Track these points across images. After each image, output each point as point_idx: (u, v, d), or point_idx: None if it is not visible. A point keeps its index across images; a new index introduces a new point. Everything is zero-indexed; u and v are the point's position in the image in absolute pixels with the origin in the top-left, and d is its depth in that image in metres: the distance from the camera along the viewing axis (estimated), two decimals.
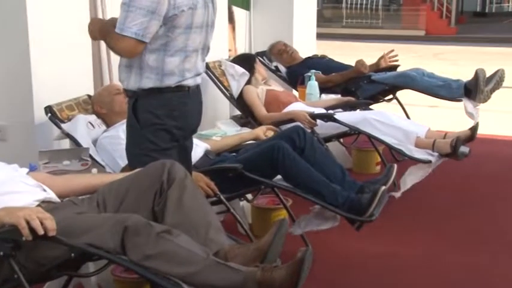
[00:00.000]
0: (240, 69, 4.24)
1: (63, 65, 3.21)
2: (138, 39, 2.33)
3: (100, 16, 3.54)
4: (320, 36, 6.53)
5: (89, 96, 3.33)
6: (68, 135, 3.07)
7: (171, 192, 2.13)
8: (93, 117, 3.20)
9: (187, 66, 2.47)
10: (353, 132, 3.99)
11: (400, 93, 5.05)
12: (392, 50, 5.11)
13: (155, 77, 2.43)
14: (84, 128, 3.10)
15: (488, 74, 4.54)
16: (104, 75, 3.70)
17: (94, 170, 2.79)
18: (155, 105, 2.45)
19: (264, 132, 3.51)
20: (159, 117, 2.45)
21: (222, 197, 2.82)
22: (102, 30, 2.48)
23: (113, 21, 2.41)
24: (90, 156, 2.91)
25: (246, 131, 3.78)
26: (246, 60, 4.35)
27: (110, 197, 2.20)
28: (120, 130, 2.94)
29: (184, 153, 2.58)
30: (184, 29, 2.41)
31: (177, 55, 2.43)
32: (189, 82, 2.50)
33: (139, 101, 2.47)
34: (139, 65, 2.43)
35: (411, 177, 3.64)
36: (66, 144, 3.19)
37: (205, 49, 2.58)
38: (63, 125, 3.07)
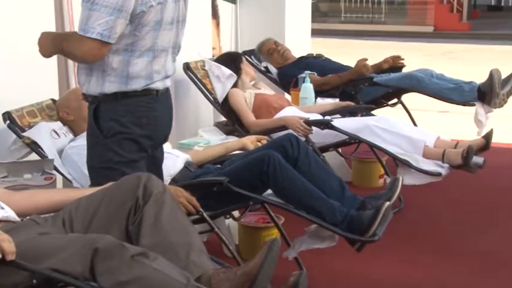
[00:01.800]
0: (227, 71, 4.26)
1: (23, 66, 3.21)
2: (103, 41, 2.33)
3: (66, 16, 3.56)
4: (315, 32, 6.58)
5: (54, 100, 3.33)
6: (29, 145, 3.06)
7: (147, 209, 2.13)
8: (58, 125, 3.19)
9: (156, 68, 2.48)
10: (353, 141, 4.01)
11: (405, 97, 5.08)
12: (399, 56, 5.14)
13: (119, 81, 2.43)
14: (48, 137, 3.09)
15: (504, 76, 4.58)
16: (70, 77, 3.70)
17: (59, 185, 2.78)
18: (120, 112, 2.45)
19: (252, 141, 3.52)
20: (124, 125, 2.46)
21: (205, 214, 2.81)
22: (55, 39, 2.48)
23: (67, 32, 2.41)
24: (55, 169, 2.90)
25: (232, 139, 3.79)
26: (230, 60, 4.37)
27: (77, 215, 2.20)
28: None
29: (155, 166, 2.59)
30: (153, 26, 2.41)
31: (144, 56, 2.43)
32: (158, 85, 2.50)
33: (101, 107, 2.47)
34: (101, 67, 2.43)
35: (410, 179, 3.66)
36: (27, 155, 3.17)
37: (176, 48, 2.58)
38: (24, 133, 3.06)
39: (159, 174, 2.62)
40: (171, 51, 2.55)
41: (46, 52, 2.53)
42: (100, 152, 2.49)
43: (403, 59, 5.11)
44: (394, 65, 5.10)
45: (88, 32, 2.31)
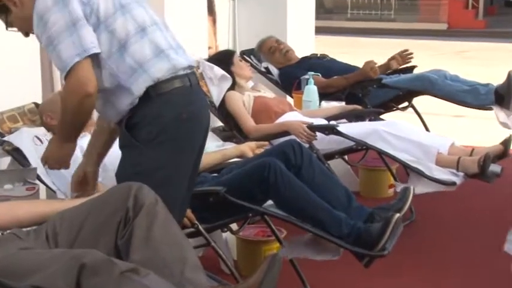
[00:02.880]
0: (219, 71, 4.25)
1: (3, 67, 3.21)
2: (84, 57, 2.31)
3: None
4: (320, 30, 6.60)
5: (36, 104, 3.33)
6: (10, 153, 3.06)
7: (138, 222, 2.13)
8: (41, 131, 3.19)
9: (160, 41, 2.44)
10: (360, 148, 4.02)
11: (417, 100, 5.09)
12: (407, 50, 5.14)
13: (138, 75, 2.40)
14: (30, 143, 3.09)
15: None
16: (56, 81, 3.70)
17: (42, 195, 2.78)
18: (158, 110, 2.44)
19: (251, 148, 3.52)
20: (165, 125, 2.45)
21: (200, 227, 2.82)
22: (59, 136, 2.51)
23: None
24: (38, 178, 2.90)
25: (230, 146, 3.79)
26: (220, 60, 4.34)
27: (62, 229, 2.19)
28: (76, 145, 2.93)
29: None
30: (114, 12, 2.39)
31: (135, 42, 2.41)
32: (181, 62, 2.47)
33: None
34: (109, 88, 2.41)
35: (423, 186, 3.66)
36: (7, 163, 3.17)
37: (160, 24, 2.52)
38: (3, 139, 3.06)
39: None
40: (158, 28, 2.49)
41: (68, 155, 2.53)
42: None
43: (411, 54, 5.09)
44: (403, 62, 5.09)
45: (68, 63, 2.32)
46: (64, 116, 2.45)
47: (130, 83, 2.40)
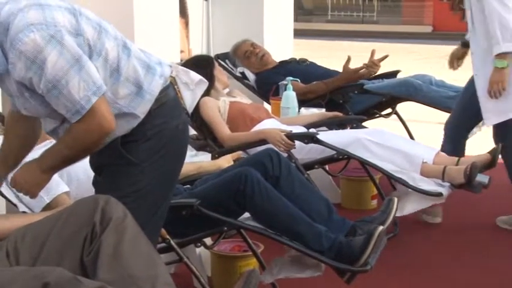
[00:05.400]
0: (196, 76, 4.25)
1: None
2: (101, 96, 2.25)
3: None
4: (299, 33, 6.62)
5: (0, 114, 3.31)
6: None
7: (105, 238, 2.12)
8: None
9: (143, 57, 2.44)
10: (341, 157, 4.03)
11: (400, 107, 5.12)
12: (387, 56, 5.01)
13: (142, 98, 2.38)
14: None
15: None
16: None
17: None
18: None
19: (228, 161, 3.52)
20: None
21: (172, 242, 2.81)
22: (42, 164, 2.37)
23: (53, 145, 2.37)
24: None
25: (204, 156, 3.79)
26: (201, 64, 4.36)
27: (24, 245, 2.17)
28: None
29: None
30: (98, 33, 2.33)
31: (125, 59, 2.38)
32: (168, 72, 2.49)
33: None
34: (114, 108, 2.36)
35: (413, 204, 3.68)
36: None
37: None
38: None
39: None
40: (129, 41, 2.48)
41: (40, 186, 2.42)
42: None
43: (385, 57, 4.94)
44: (368, 73, 4.91)
45: (83, 105, 2.23)
46: (69, 150, 2.34)
47: (133, 107, 2.37)
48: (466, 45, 4.55)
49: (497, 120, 4.20)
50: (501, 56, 4.03)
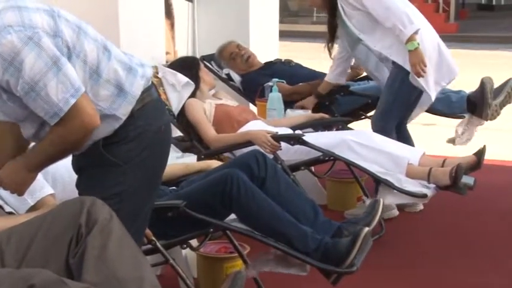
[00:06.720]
0: (183, 78, 4.26)
1: None
2: (81, 94, 2.23)
3: None
4: (284, 35, 6.63)
5: None
6: None
7: (91, 239, 2.12)
8: None
9: (124, 58, 2.43)
10: (327, 159, 4.04)
11: None
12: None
13: (118, 93, 2.36)
14: None
15: (497, 84, 4.65)
16: None
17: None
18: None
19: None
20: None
21: (158, 244, 2.81)
22: (29, 161, 2.37)
23: (40, 143, 2.35)
24: None
25: (190, 158, 3.79)
26: (187, 66, 4.37)
27: (9, 247, 2.17)
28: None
29: None
30: (76, 34, 2.32)
31: (105, 61, 2.37)
32: (149, 73, 2.49)
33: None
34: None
35: (393, 197, 3.70)
36: None
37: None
38: None
39: None
40: (110, 42, 2.48)
41: (26, 184, 2.42)
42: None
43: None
44: (354, 75, 5.08)
45: (61, 108, 2.22)
46: (54, 148, 2.33)
47: (114, 109, 2.36)
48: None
49: (436, 90, 4.38)
50: (409, 39, 4.16)
